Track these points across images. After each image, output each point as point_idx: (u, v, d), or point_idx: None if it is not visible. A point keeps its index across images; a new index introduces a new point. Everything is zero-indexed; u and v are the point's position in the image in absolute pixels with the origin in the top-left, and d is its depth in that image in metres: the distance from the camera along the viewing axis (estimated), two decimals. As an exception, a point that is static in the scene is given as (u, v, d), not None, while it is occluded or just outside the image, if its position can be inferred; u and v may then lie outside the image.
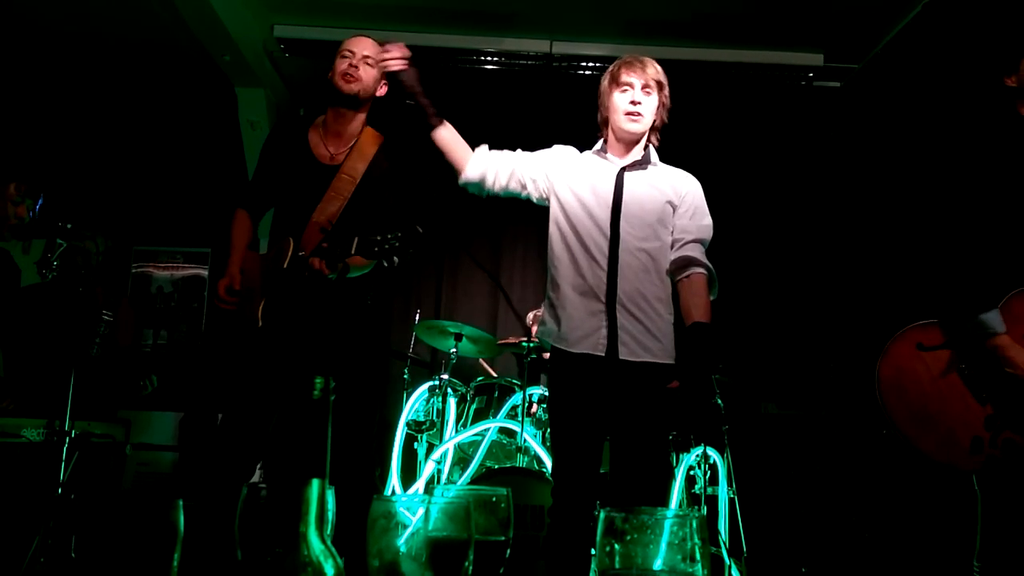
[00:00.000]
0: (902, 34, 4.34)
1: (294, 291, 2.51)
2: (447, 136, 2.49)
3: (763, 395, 4.66)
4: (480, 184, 2.49)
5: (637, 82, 2.37)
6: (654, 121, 2.42)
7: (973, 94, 3.16)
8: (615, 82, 2.40)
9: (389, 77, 2.60)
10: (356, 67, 2.58)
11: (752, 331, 4.87)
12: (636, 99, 2.35)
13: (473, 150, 2.52)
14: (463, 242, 5.25)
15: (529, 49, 4.83)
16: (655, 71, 2.39)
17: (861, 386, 2.27)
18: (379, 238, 2.33)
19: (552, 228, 2.46)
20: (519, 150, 2.54)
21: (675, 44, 4.73)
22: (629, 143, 2.43)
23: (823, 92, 5.01)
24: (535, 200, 2.53)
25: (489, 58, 4.87)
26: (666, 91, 2.43)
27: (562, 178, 2.45)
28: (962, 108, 3.47)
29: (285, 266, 2.50)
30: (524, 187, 2.50)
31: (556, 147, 2.53)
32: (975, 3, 3.62)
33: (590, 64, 4.80)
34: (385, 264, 2.35)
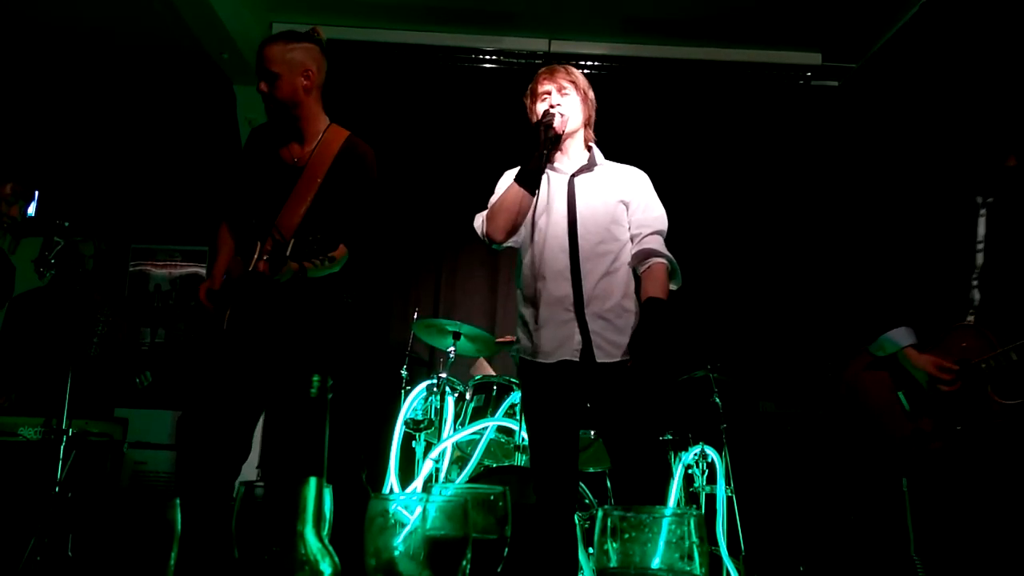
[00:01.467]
0: (900, 34, 4.35)
1: (256, 295, 2.48)
2: (528, 203, 2.41)
3: (761, 394, 4.66)
4: (499, 249, 2.54)
5: (552, 87, 2.47)
6: (583, 119, 2.49)
7: (965, 100, 3.20)
8: (534, 95, 2.51)
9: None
10: (263, 91, 2.52)
11: (750, 330, 4.87)
12: (554, 101, 2.44)
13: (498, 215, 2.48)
14: (462, 241, 5.25)
15: (528, 48, 4.83)
16: (566, 73, 2.49)
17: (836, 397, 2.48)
18: (310, 239, 2.34)
19: (520, 250, 2.52)
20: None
21: (673, 43, 4.73)
22: (565, 147, 2.49)
23: (821, 91, 5.01)
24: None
25: (487, 57, 4.87)
26: (590, 94, 2.51)
27: None
28: (954, 110, 3.48)
29: (249, 270, 2.48)
30: None
31: (507, 174, 2.57)
32: (973, 3, 3.63)
33: (589, 63, 4.80)
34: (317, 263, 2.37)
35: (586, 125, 2.52)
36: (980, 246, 2.27)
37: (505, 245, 2.47)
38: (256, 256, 2.48)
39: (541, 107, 2.45)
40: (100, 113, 5.46)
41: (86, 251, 3.68)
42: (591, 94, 2.53)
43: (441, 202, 5.06)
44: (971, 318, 2.23)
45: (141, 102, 5.46)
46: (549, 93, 2.46)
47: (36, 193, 3.54)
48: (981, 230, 2.28)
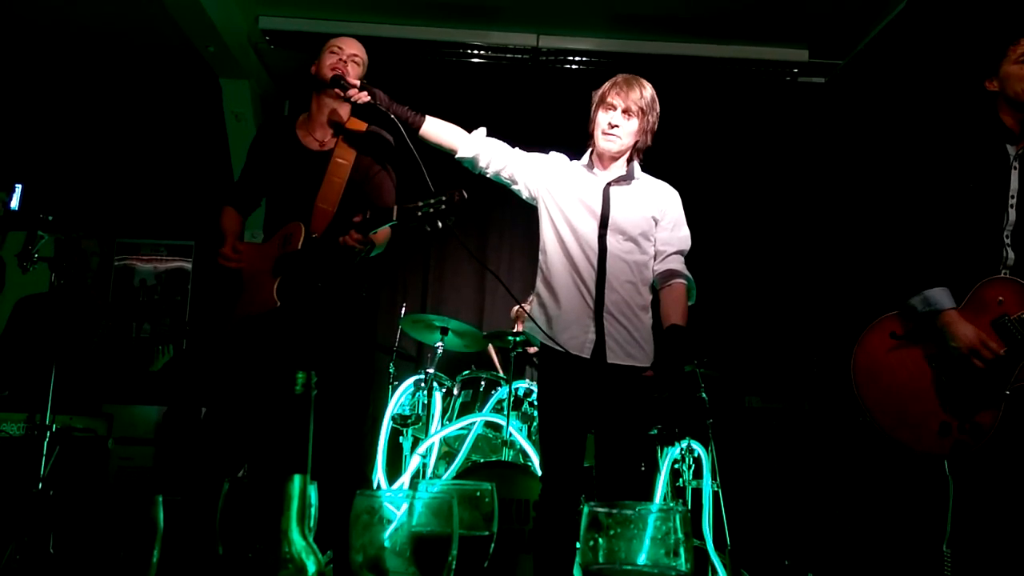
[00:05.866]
0: (886, 30, 4.37)
1: (309, 273, 2.54)
2: (432, 128, 2.59)
3: (747, 389, 4.69)
4: (472, 163, 2.61)
5: (620, 104, 2.46)
6: (636, 143, 2.52)
7: (954, 91, 3.20)
8: (602, 100, 2.50)
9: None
10: (344, 63, 2.61)
11: (736, 326, 4.89)
12: (614, 121, 2.46)
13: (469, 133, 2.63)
14: (447, 236, 5.23)
15: (516, 43, 4.82)
16: (639, 96, 2.46)
17: (841, 377, 2.33)
18: (420, 203, 2.36)
19: (546, 234, 2.57)
20: (518, 148, 2.64)
21: (661, 39, 4.74)
22: (609, 159, 2.54)
23: (807, 88, 5.03)
24: (524, 197, 2.65)
25: (475, 51, 4.86)
26: (651, 116, 2.50)
27: (554, 187, 2.56)
28: (944, 105, 3.50)
29: (299, 248, 2.52)
30: (515, 182, 2.63)
31: (552, 154, 2.65)
32: (959, 0, 3.65)
33: (577, 58, 4.80)
34: (428, 229, 2.37)
35: (637, 150, 2.54)
36: (1012, 201, 2.17)
37: (459, 156, 2.59)
38: (303, 235, 2.52)
39: (603, 116, 2.47)
40: (85, 107, 5.41)
41: (90, 248, 3.66)
42: (652, 118, 2.50)
43: (428, 196, 5.05)
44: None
45: (126, 96, 5.41)
46: (614, 108, 2.46)
47: (19, 187, 3.50)
48: (1014, 184, 2.18)
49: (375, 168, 2.68)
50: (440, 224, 2.35)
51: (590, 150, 2.58)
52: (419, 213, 2.35)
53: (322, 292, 2.56)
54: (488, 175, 2.63)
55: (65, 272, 3.11)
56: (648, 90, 2.51)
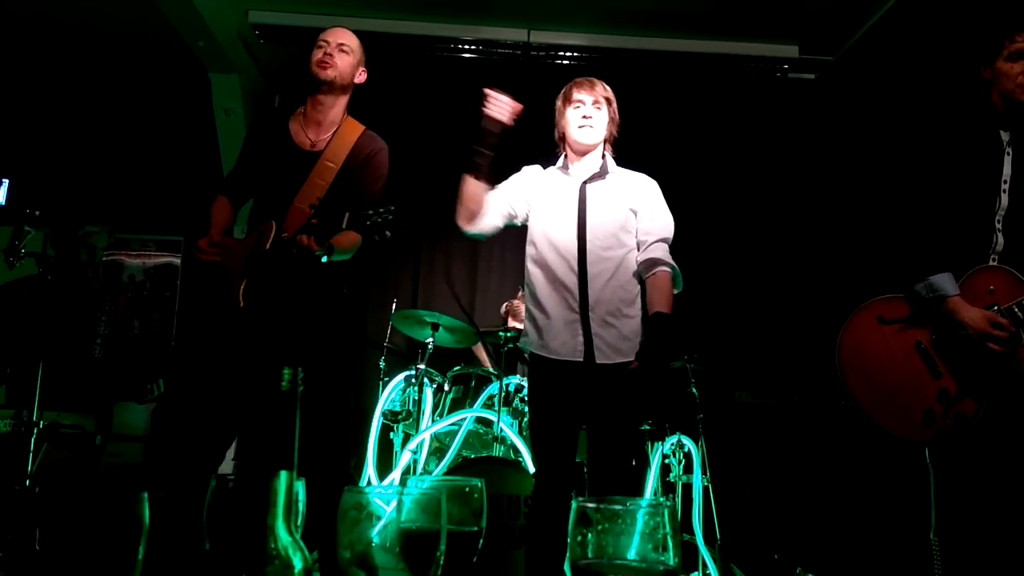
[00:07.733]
0: (877, 26, 4.38)
1: (277, 272, 2.52)
2: (476, 189, 2.52)
3: (737, 384, 4.70)
4: (477, 236, 2.63)
5: (588, 98, 2.55)
6: (606, 135, 2.58)
7: (946, 83, 3.21)
8: (568, 100, 2.58)
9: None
10: (331, 55, 2.60)
11: (726, 320, 4.91)
12: (587, 113, 2.54)
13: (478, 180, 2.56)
14: (440, 232, 5.22)
15: (507, 38, 4.81)
16: (603, 89, 2.57)
17: (830, 370, 2.31)
18: (371, 212, 2.37)
19: (528, 246, 2.60)
20: (499, 186, 2.63)
21: (651, 35, 4.73)
22: (584, 154, 2.58)
23: (798, 84, 5.04)
24: (518, 224, 2.67)
25: (466, 46, 4.84)
26: (614, 107, 2.59)
27: (534, 199, 2.61)
28: (935, 95, 3.51)
29: (267, 247, 2.50)
30: (514, 218, 2.65)
31: (525, 169, 2.69)
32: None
33: (568, 54, 4.79)
34: (376, 239, 2.39)
35: (607, 141, 2.61)
36: (1005, 187, 2.17)
37: (474, 232, 2.57)
38: (272, 234, 2.51)
39: (572, 113, 2.54)
40: (73, 102, 5.36)
41: (98, 243, 3.62)
42: (615, 107, 2.60)
43: (419, 192, 5.04)
44: (993, 262, 2.15)
45: (114, 90, 5.37)
46: (583, 103, 2.54)
47: (5, 181, 3.48)
48: (1007, 170, 2.18)
49: (362, 174, 2.65)
50: (388, 234, 2.37)
51: (563, 155, 2.62)
52: (368, 222, 2.36)
53: (297, 289, 2.54)
54: (501, 228, 2.65)
55: (53, 267, 3.09)
56: (606, 85, 2.60)
